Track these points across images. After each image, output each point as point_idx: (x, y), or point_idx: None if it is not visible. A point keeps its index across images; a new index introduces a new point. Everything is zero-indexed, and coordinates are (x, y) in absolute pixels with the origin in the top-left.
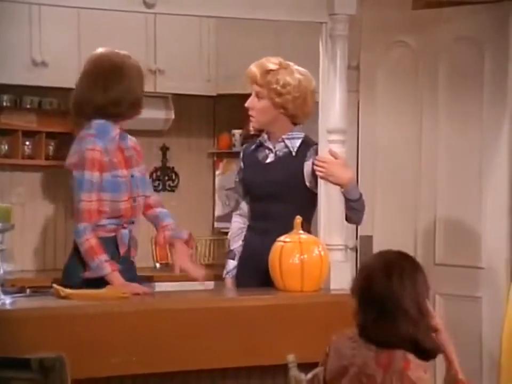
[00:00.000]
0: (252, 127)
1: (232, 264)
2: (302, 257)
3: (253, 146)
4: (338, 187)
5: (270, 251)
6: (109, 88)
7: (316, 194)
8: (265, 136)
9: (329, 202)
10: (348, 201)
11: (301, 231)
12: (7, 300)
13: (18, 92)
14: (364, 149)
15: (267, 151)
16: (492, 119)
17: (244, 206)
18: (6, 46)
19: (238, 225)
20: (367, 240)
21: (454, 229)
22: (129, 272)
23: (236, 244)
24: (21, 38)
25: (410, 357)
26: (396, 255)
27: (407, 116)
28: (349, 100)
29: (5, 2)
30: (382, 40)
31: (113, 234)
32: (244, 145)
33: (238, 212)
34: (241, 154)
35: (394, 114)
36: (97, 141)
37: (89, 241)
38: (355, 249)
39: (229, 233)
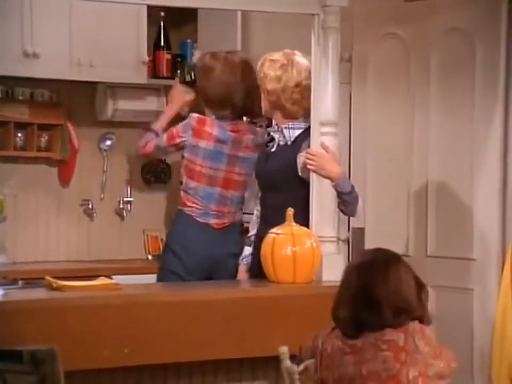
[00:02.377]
0: None
1: (247, 250)
2: (294, 249)
3: (267, 139)
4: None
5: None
6: None
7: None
8: (275, 126)
9: (321, 194)
10: (339, 194)
11: (293, 223)
12: None
13: (10, 83)
14: (356, 141)
15: (273, 141)
16: (483, 110)
17: None
18: None
19: (257, 213)
20: (359, 232)
21: (446, 221)
22: None
23: (253, 232)
24: (13, 29)
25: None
26: (375, 253)
27: (399, 108)
28: (341, 92)
29: None
30: (373, 32)
31: None
32: None
33: (259, 201)
34: None
35: (386, 106)
36: None
37: None
38: (347, 241)
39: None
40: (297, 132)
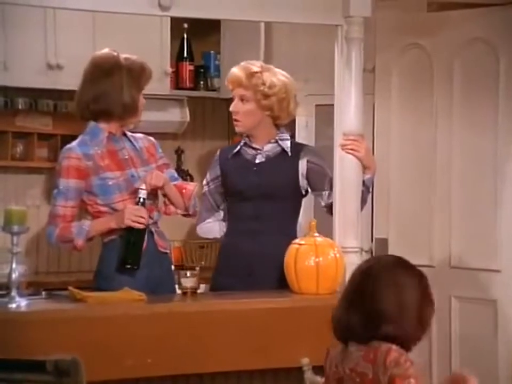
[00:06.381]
0: (237, 131)
1: None
2: (317, 259)
3: (234, 150)
4: (354, 189)
5: (263, 252)
6: (93, 84)
7: (303, 195)
8: (247, 138)
9: (345, 204)
10: (364, 190)
11: (316, 234)
12: (23, 302)
13: (34, 95)
14: (379, 152)
15: (254, 152)
16: (507, 120)
17: (222, 211)
18: (21, 50)
19: (221, 224)
20: (382, 243)
21: (470, 232)
22: (160, 264)
23: None
24: (36, 42)
25: (394, 346)
26: (387, 259)
27: (422, 118)
28: (364, 103)
29: (20, 6)
30: (396, 42)
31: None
32: (219, 151)
33: (220, 219)
34: (217, 160)
35: (409, 116)
36: (75, 147)
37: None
38: (370, 251)
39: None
40: (288, 143)
